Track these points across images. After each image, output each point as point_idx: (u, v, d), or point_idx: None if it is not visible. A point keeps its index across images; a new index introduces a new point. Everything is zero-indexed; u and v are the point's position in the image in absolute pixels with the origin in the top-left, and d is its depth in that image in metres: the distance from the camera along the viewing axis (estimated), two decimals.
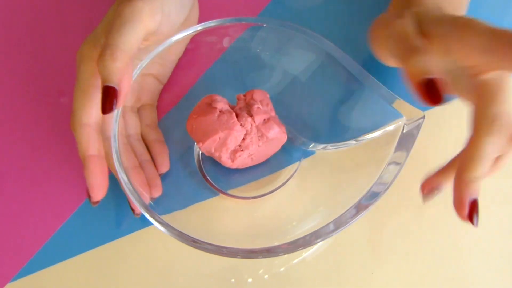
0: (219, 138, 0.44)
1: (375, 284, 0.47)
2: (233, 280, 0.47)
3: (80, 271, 0.47)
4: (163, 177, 0.47)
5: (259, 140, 0.46)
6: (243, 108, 0.46)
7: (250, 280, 0.47)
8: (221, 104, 0.46)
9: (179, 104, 0.50)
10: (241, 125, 0.45)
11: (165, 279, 0.47)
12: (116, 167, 0.40)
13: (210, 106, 0.46)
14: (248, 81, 0.48)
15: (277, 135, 0.46)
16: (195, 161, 0.49)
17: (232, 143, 0.45)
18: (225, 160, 0.46)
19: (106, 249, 0.47)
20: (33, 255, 0.47)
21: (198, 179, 0.48)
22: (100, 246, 0.48)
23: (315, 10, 0.56)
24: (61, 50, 0.54)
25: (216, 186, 0.48)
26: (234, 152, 0.45)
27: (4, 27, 0.55)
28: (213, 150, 0.45)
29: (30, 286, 0.46)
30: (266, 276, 0.47)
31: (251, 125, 0.45)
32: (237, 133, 0.45)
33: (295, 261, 0.47)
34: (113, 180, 0.48)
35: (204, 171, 0.48)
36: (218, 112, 0.45)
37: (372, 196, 0.40)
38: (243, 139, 0.45)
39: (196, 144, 0.46)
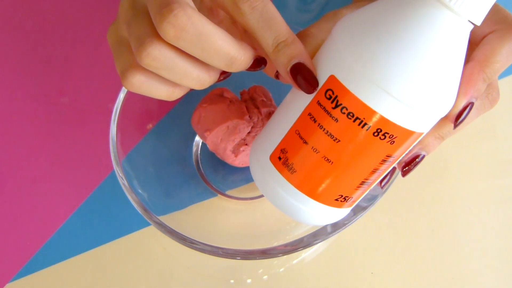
0: (228, 127, 0.44)
1: (375, 284, 0.47)
2: (232, 281, 0.47)
3: (80, 271, 0.47)
4: (161, 177, 0.47)
5: None
6: (248, 101, 0.46)
7: (249, 281, 0.47)
8: (232, 94, 0.46)
9: (176, 106, 0.50)
10: (249, 116, 0.45)
11: (164, 279, 0.47)
12: None
13: (220, 96, 0.45)
14: (247, 81, 0.48)
15: None
16: (194, 162, 0.49)
17: (239, 134, 0.45)
18: (229, 154, 0.45)
19: (106, 249, 0.48)
20: (33, 255, 0.47)
21: (196, 180, 0.48)
22: (100, 246, 0.48)
23: (314, 11, 0.56)
24: (61, 50, 0.54)
25: (214, 187, 0.48)
26: (239, 146, 0.45)
27: (4, 27, 0.55)
28: (219, 140, 0.45)
29: (30, 286, 0.47)
30: (265, 277, 0.47)
31: (258, 117, 0.45)
32: (246, 123, 0.44)
33: (294, 261, 0.47)
34: (114, 180, 0.48)
35: (203, 172, 0.48)
36: (228, 102, 0.45)
37: (370, 199, 0.40)
38: (249, 132, 0.45)
39: (202, 135, 0.45)
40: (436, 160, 0.50)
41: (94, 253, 0.47)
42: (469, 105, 0.30)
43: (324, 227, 0.40)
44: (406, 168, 0.33)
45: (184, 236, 0.40)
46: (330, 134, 0.29)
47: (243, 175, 0.49)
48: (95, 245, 0.48)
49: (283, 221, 0.44)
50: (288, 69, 0.30)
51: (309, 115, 0.30)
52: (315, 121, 0.30)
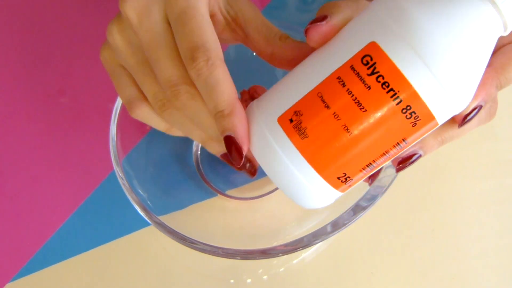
0: None
1: (375, 284, 0.47)
2: (232, 281, 0.47)
3: (80, 271, 0.47)
4: (161, 177, 0.47)
5: None
6: (248, 101, 0.46)
7: (249, 281, 0.47)
8: None
9: None
10: None
11: (164, 279, 0.47)
12: None
13: None
14: (247, 82, 0.48)
15: None
16: (194, 161, 0.49)
17: None
18: None
19: (106, 249, 0.48)
20: (33, 255, 0.47)
21: (196, 179, 0.48)
22: (100, 246, 0.48)
23: (314, 11, 0.56)
24: (61, 50, 0.54)
25: (214, 187, 0.48)
26: None
27: (4, 27, 0.55)
28: None
29: (30, 286, 0.47)
30: (265, 277, 0.47)
31: None
32: None
33: (294, 261, 0.47)
34: (114, 180, 0.48)
35: (203, 172, 0.48)
36: None
37: (371, 199, 0.40)
38: None
39: None
40: (436, 160, 0.50)
41: (94, 253, 0.48)
42: (478, 108, 0.30)
43: (324, 227, 0.40)
44: (401, 164, 0.33)
45: (184, 236, 0.40)
46: (358, 101, 0.28)
47: (243, 175, 0.48)
48: (95, 245, 0.48)
49: (283, 221, 0.44)
50: (222, 138, 0.31)
51: (338, 78, 0.29)
52: (344, 85, 0.29)
